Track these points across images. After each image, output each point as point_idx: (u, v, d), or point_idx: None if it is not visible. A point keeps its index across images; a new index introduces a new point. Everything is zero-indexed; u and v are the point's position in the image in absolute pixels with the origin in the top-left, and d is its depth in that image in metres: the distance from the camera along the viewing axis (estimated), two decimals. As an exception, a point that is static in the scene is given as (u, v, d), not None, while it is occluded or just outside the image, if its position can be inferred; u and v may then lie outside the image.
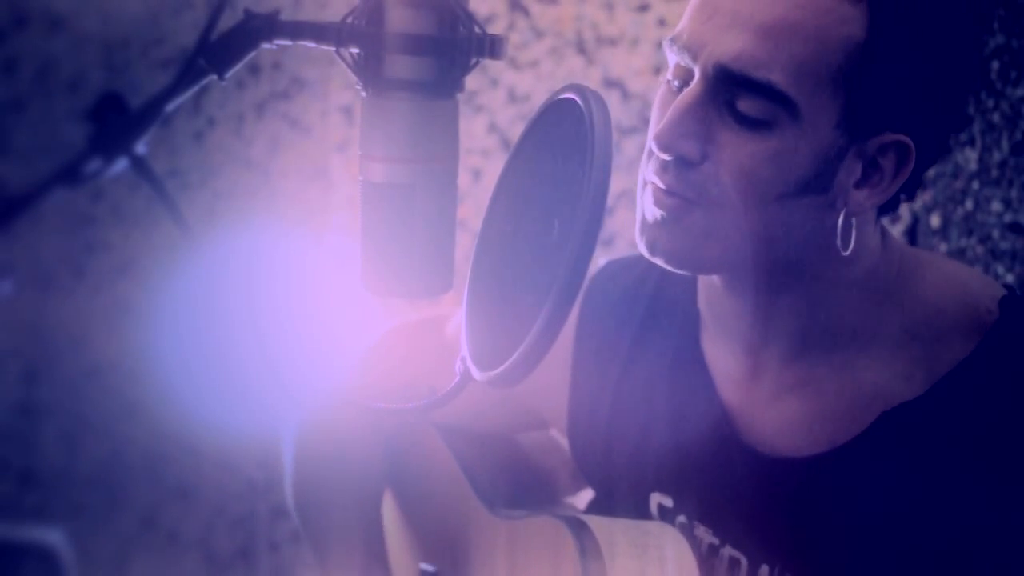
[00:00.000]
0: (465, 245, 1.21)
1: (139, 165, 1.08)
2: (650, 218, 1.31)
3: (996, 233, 1.92)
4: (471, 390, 1.21)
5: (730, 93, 1.26)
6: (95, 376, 2.55)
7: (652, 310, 1.47)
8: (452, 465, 1.56)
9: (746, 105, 1.26)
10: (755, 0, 1.25)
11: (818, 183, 1.28)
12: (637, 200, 1.32)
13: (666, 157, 1.28)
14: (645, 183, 1.32)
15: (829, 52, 1.25)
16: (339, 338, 2.12)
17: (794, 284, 1.33)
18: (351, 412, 1.60)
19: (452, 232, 1.16)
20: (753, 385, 1.40)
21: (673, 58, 1.30)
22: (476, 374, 1.14)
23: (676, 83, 1.31)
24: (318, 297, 2.25)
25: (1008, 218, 1.90)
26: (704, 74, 1.27)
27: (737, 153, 1.27)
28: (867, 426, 1.34)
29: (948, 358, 1.33)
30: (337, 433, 1.62)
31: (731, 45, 1.25)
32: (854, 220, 1.30)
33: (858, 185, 1.29)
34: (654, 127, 1.30)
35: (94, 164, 1.06)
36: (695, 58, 1.27)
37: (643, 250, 1.32)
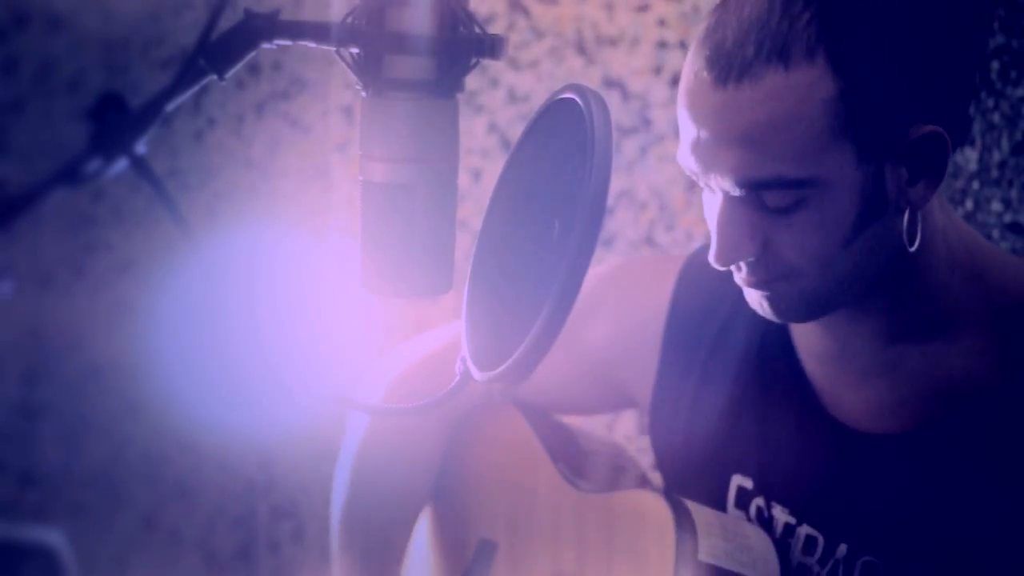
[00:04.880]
0: (465, 245, 1.21)
1: (139, 165, 1.08)
2: (750, 296, 1.37)
3: (996, 233, 1.92)
4: (559, 364, 1.23)
5: (756, 194, 1.30)
6: (95, 376, 2.55)
7: (742, 297, 1.50)
8: (533, 441, 1.59)
9: (772, 198, 1.30)
10: (723, 117, 1.28)
11: (872, 212, 1.31)
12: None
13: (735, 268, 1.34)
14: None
15: (814, 121, 1.27)
16: (339, 338, 2.12)
17: (886, 288, 1.36)
18: (406, 428, 1.63)
19: (452, 232, 1.16)
20: (841, 365, 1.42)
21: None
22: (476, 374, 1.14)
23: (704, 188, 1.35)
24: (318, 297, 2.25)
25: (1008, 218, 1.90)
26: (723, 189, 1.31)
27: (787, 236, 1.31)
28: (951, 409, 1.36)
29: None
30: (396, 440, 1.64)
31: (727, 164, 1.29)
32: (919, 214, 1.32)
33: (911, 183, 1.31)
34: (711, 231, 1.34)
35: (94, 164, 1.06)
36: (711, 179, 1.32)
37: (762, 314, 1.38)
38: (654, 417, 1.57)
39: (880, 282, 1.35)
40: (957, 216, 1.41)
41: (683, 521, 1.39)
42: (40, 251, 2.53)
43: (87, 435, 2.58)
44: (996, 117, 1.92)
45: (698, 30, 1.32)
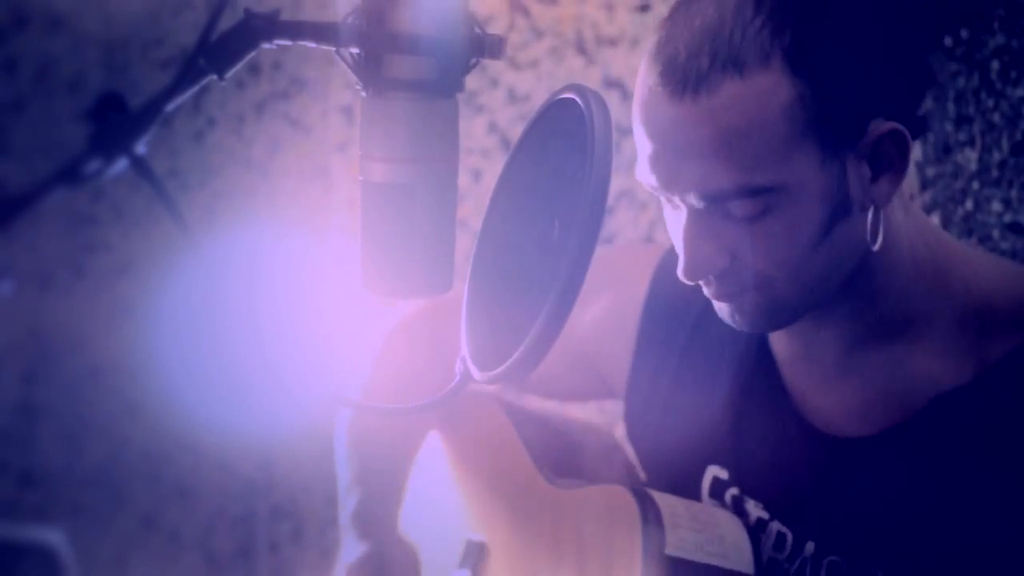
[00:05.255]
0: (465, 245, 1.21)
1: (139, 165, 1.08)
2: (719, 309, 1.36)
3: (996, 233, 1.92)
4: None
5: (720, 205, 1.29)
6: (95, 376, 2.55)
7: None
8: (514, 438, 1.59)
9: (738, 208, 1.28)
10: (681, 131, 1.27)
11: (838, 213, 1.30)
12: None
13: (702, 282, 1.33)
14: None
15: (774, 126, 1.26)
16: (339, 338, 2.12)
17: (851, 290, 1.36)
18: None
19: (452, 232, 1.16)
20: (810, 367, 1.42)
21: None
22: (476, 374, 1.14)
23: (667, 204, 1.34)
24: (318, 297, 2.25)
25: (1008, 218, 1.90)
26: (688, 204, 1.30)
27: (755, 245, 1.30)
28: (918, 410, 1.36)
29: (999, 348, 1.35)
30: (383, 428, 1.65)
31: (689, 178, 1.28)
32: (882, 213, 1.32)
33: (873, 180, 1.31)
34: (676, 247, 1.33)
35: (94, 164, 1.06)
36: (672, 194, 1.30)
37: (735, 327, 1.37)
38: (629, 406, 1.57)
39: (845, 284, 1.34)
40: (920, 213, 1.41)
41: (649, 515, 1.39)
42: (40, 251, 2.53)
43: (87, 435, 2.58)
44: (996, 117, 1.92)
45: (648, 44, 1.31)
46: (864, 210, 1.31)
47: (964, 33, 1.96)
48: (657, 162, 1.29)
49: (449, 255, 1.16)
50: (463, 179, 2.07)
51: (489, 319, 1.15)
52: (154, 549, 2.56)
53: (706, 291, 1.35)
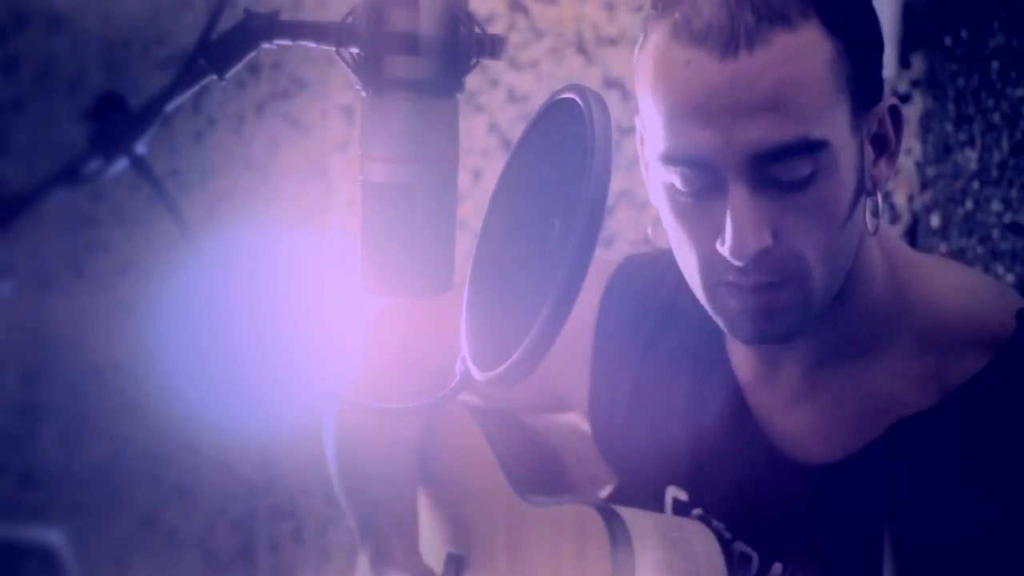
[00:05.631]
0: (465, 245, 1.21)
1: (139, 165, 1.08)
2: (747, 309, 1.30)
3: (996, 233, 1.92)
4: None
5: (769, 172, 1.26)
6: (95, 376, 2.55)
7: (673, 306, 1.48)
8: (485, 450, 1.57)
9: (787, 171, 1.26)
10: (739, 88, 1.25)
11: (860, 187, 1.30)
12: (705, 292, 1.32)
13: (745, 264, 1.29)
14: (718, 283, 1.31)
15: (823, 80, 1.26)
16: (339, 338, 2.12)
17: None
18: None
19: (452, 232, 1.16)
20: (771, 389, 1.41)
21: (678, 175, 1.29)
22: (476, 374, 1.14)
23: (690, 197, 1.30)
24: (318, 297, 2.25)
25: (1008, 218, 1.90)
26: (739, 171, 1.26)
27: (798, 217, 1.27)
28: (881, 434, 1.35)
29: (962, 370, 1.33)
30: (372, 426, 1.62)
31: (752, 132, 1.25)
32: (879, 197, 1.32)
33: (875, 162, 1.32)
34: (687, 239, 1.29)
35: (94, 164, 1.06)
36: (723, 162, 1.26)
37: (745, 340, 1.33)
38: (593, 426, 1.55)
39: (844, 285, 1.33)
40: (884, 227, 1.40)
41: (618, 536, 1.36)
42: (40, 251, 2.53)
43: (87, 435, 2.58)
44: (996, 117, 1.92)
45: (652, 27, 1.30)
46: (870, 194, 1.31)
47: (964, 33, 1.96)
48: (707, 128, 1.25)
49: (449, 255, 1.16)
50: (463, 179, 2.07)
51: (489, 319, 1.15)
52: (154, 549, 2.56)
53: (743, 280, 1.29)
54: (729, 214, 1.27)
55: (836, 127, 1.26)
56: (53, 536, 2.04)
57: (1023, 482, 1.30)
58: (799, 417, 1.39)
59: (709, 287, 1.31)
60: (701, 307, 1.39)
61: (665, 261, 1.36)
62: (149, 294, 2.45)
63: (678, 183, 1.29)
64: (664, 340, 1.48)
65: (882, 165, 1.32)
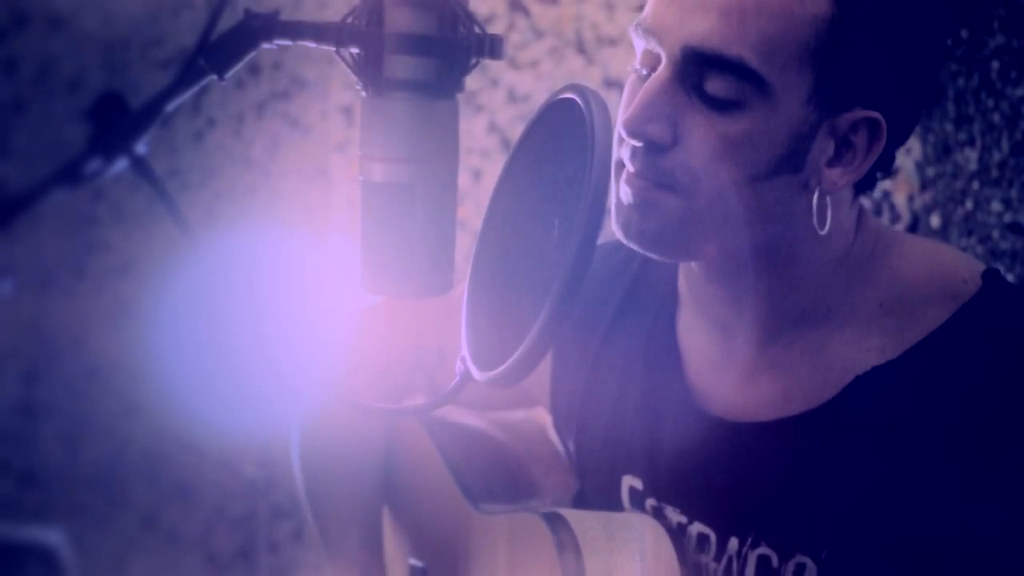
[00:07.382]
0: (465, 245, 1.21)
1: (139, 165, 1.08)
2: (624, 200, 1.30)
3: (996, 233, 1.92)
4: None
5: (698, 75, 1.25)
6: (95, 376, 2.55)
7: (633, 292, 1.47)
8: (439, 462, 1.56)
9: (715, 86, 1.25)
10: None
11: (791, 162, 1.27)
12: (611, 184, 1.31)
13: (636, 143, 1.27)
14: (619, 166, 1.30)
15: (797, 28, 1.24)
16: (339, 338, 2.12)
17: (769, 267, 1.33)
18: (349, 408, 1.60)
19: (452, 232, 1.16)
20: (729, 365, 1.39)
21: (640, 44, 1.29)
22: (476, 374, 1.14)
23: (644, 71, 1.29)
24: (318, 297, 2.25)
25: (1008, 218, 1.90)
26: (671, 58, 1.26)
27: (707, 136, 1.25)
28: (837, 393, 1.33)
29: (922, 326, 1.32)
30: (338, 428, 1.62)
31: (698, 26, 1.24)
32: (828, 199, 1.29)
33: (831, 164, 1.29)
34: (622, 114, 1.29)
35: (94, 164, 1.06)
36: (661, 42, 1.26)
37: (618, 233, 1.31)
38: (554, 418, 1.54)
39: (764, 253, 1.31)
40: (871, 216, 1.38)
41: (565, 543, 1.35)
42: (40, 251, 2.53)
43: (87, 435, 2.58)
44: (996, 117, 1.92)
45: None
46: (809, 188, 1.29)
47: (964, 33, 1.96)
48: (670, 6, 1.26)
49: (449, 255, 1.16)
50: (463, 179, 2.07)
51: (489, 319, 1.15)
52: (154, 549, 2.56)
53: (629, 164, 1.28)
54: (642, 89, 1.27)
55: (784, 80, 1.24)
56: (53, 536, 2.04)
57: (982, 436, 1.28)
58: (756, 388, 1.37)
59: (615, 170, 1.30)
60: (659, 289, 1.38)
61: (630, 248, 1.34)
62: (149, 294, 2.45)
63: (636, 61, 1.29)
64: (621, 328, 1.47)
65: (836, 171, 1.29)
